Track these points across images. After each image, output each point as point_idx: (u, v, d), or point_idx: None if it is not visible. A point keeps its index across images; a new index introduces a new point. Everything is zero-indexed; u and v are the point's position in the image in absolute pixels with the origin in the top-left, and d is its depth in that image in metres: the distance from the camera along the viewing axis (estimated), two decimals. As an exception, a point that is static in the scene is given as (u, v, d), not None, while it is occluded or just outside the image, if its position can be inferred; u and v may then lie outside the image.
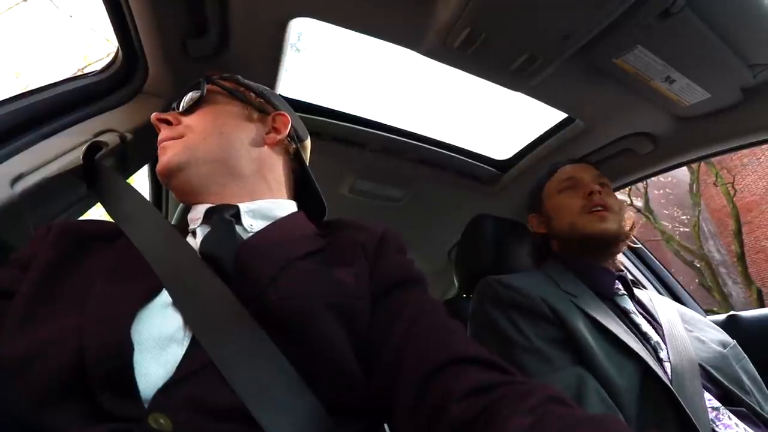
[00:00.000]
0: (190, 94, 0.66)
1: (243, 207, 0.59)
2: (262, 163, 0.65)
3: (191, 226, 0.59)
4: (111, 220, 0.60)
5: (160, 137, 0.63)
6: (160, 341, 0.41)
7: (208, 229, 0.56)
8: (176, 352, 0.41)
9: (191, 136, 0.61)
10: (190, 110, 0.65)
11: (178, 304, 0.45)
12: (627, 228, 0.94)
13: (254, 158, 0.64)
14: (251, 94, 0.69)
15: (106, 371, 0.38)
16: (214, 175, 0.61)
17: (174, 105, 0.68)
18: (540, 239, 1.04)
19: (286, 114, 0.69)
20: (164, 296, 0.46)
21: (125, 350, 0.39)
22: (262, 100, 0.69)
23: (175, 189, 0.62)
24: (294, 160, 0.71)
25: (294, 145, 0.71)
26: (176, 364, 0.40)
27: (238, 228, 0.56)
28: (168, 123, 0.63)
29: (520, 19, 0.73)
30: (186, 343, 0.42)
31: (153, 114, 0.64)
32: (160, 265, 0.48)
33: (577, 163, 1.04)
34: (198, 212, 0.59)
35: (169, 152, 0.60)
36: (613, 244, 0.91)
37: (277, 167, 0.67)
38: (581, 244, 0.92)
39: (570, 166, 1.02)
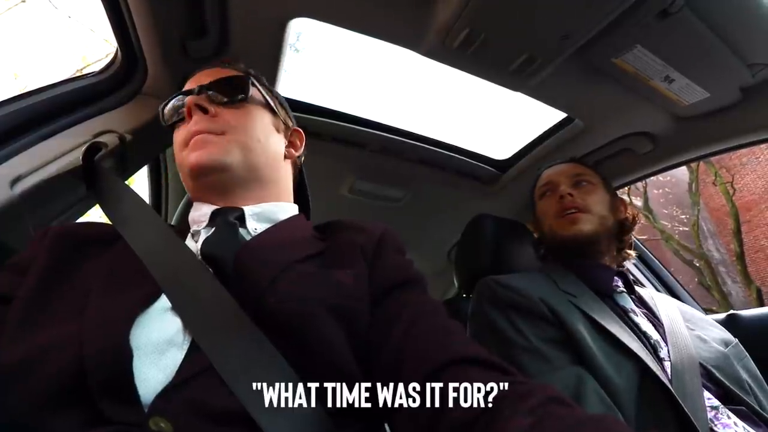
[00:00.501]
0: (230, 86, 0.63)
1: (248, 210, 0.59)
2: (281, 174, 0.67)
3: (194, 228, 0.59)
4: (109, 222, 0.60)
5: (197, 126, 0.59)
6: (158, 346, 0.41)
7: (212, 231, 0.56)
8: (176, 356, 0.41)
9: (236, 137, 0.60)
10: (227, 104, 0.62)
11: (177, 307, 0.44)
12: (618, 219, 0.95)
13: (278, 168, 0.66)
14: (278, 103, 0.71)
15: (105, 377, 0.38)
16: (247, 181, 0.61)
17: (203, 91, 0.62)
18: (539, 242, 1.06)
19: (302, 131, 0.72)
20: (163, 301, 0.45)
21: (124, 356, 0.39)
22: (285, 113, 0.71)
23: (204, 185, 0.59)
24: (298, 171, 0.74)
25: (302, 158, 0.73)
26: (176, 368, 0.40)
27: (242, 231, 0.56)
28: (204, 111, 0.60)
29: (519, 20, 0.73)
30: (185, 347, 0.42)
31: (190, 98, 0.60)
32: (158, 268, 0.48)
33: (562, 164, 1.04)
34: (201, 213, 0.59)
35: (211, 148, 0.58)
36: (595, 243, 0.92)
37: (289, 178, 0.70)
38: (560, 247, 0.94)
39: (550, 169, 1.04)
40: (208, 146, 0.58)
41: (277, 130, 0.68)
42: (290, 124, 0.72)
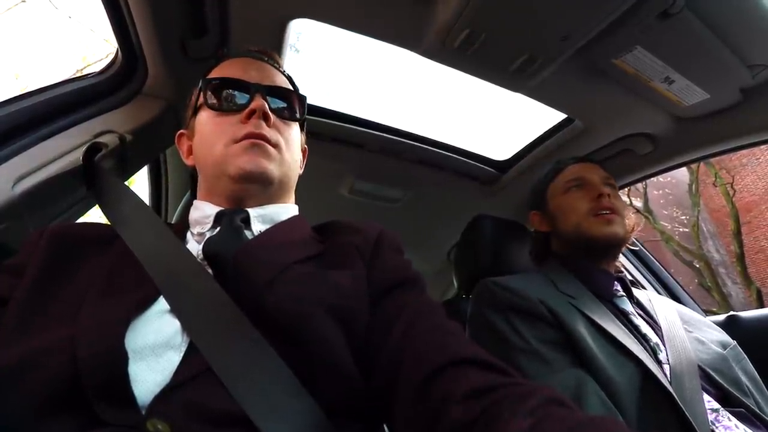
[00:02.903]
0: (289, 101, 0.64)
1: (252, 212, 0.58)
2: (292, 188, 0.67)
3: (197, 229, 0.58)
4: (107, 222, 0.59)
5: (259, 130, 0.57)
6: (155, 348, 0.41)
7: (216, 232, 0.55)
8: (172, 358, 0.41)
9: (283, 153, 0.60)
10: (280, 116, 0.62)
11: (175, 309, 0.44)
12: (630, 230, 0.95)
13: (294, 183, 0.67)
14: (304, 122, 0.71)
15: (100, 380, 0.37)
16: (273, 193, 0.61)
17: (265, 96, 0.60)
18: (541, 237, 1.03)
19: (306, 149, 0.74)
20: (161, 303, 0.45)
21: (119, 359, 0.39)
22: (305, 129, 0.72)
23: (238, 189, 0.58)
24: None
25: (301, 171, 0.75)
26: (173, 371, 0.40)
27: (247, 233, 0.56)
28: (265, 119, 0.59)
29: (519, 20, 0.73)
30: (183, 349, 0.42)
31: (261, 102, 0.58)
32: (157, 270, 0.48)
33: (584, 162, 1.02)
34: (205, 214, 0.58)
35: (266, 159, 0.57)
36: (618, 248, 0.92)
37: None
38: (586, 246, 0.91)
39: (578, 165, 1.00)
40: (264, 156, 0.57)
41: (301, 147, 0.70)
42: (305, 140, 0.73)
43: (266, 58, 0.67)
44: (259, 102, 0.58)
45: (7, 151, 0.66)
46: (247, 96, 0.59)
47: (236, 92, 0.60)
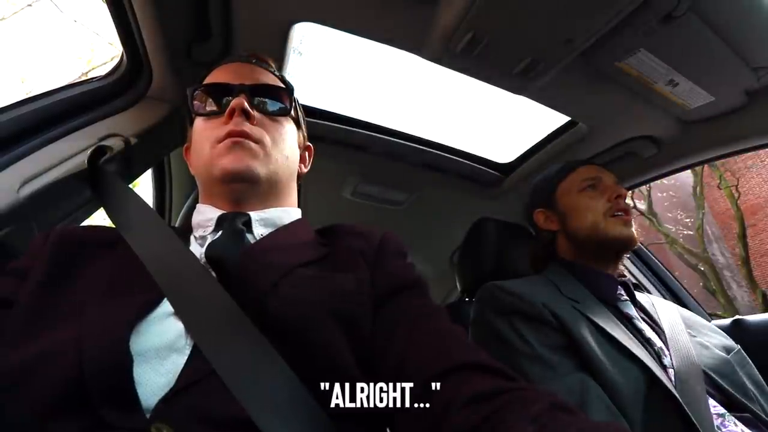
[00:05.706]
0: (274, 97, 0.63)
1: (254, 216, 0.59)
2: (292, 187, 0.67)
3: (199, 232, 0.59)
4: (112, 225, 0.60)
5: (237, 128, 0.57)
6: (159, 351, 0.41)
7: (218, 236, 0.55)
8: (177, 361, 0.41)
9: (269, 150, 0.59)
10: (268, 114, 0.62)
11: (179, 312, 0.44)
12: None
13: (292, 182, 0.67)
14: (303, 118, 0.71)
15: (105, 383, 0.38)
16: (266, 193, 0.61)
17: (248, 94, 0.60)
18: (549, 237, 1.01)
19: (312, 147, 0.74)
20: (164, 306, 0.45)
21: (124, 362, 0.39)
22: (304, 128, 0.72)
23: (226, 190, 0.59)
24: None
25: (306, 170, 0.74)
26: (177, 374, 0.40)
27: (248, 236, 0.56)
28: (247, 115, 0.59)
29: (522, 23, 0.73)
30: (187, 352, 0.42)
31: (238, 100, 0.58)
32: (161, 273, 0.48)
33: (592, 165, 1.01)
34: (207, 218, 0.59)
35: (248, 156, 0.57)
36: (628, 250, 0.92)
37: (295, 190, 0.70)
38: (600, 245, 0.90)
39: (591, 166, 1.00)
40: (246, 153, 0.57)
41: (299, 145, 0.69)
42: (306, 139, 0.73)
43: (254, 60, 0.67)
44: (238, 100, 0.58)
45: (13, 155, 0.66)
46: (230, 97, 0.60)
47: (221, 95, 0.61)
